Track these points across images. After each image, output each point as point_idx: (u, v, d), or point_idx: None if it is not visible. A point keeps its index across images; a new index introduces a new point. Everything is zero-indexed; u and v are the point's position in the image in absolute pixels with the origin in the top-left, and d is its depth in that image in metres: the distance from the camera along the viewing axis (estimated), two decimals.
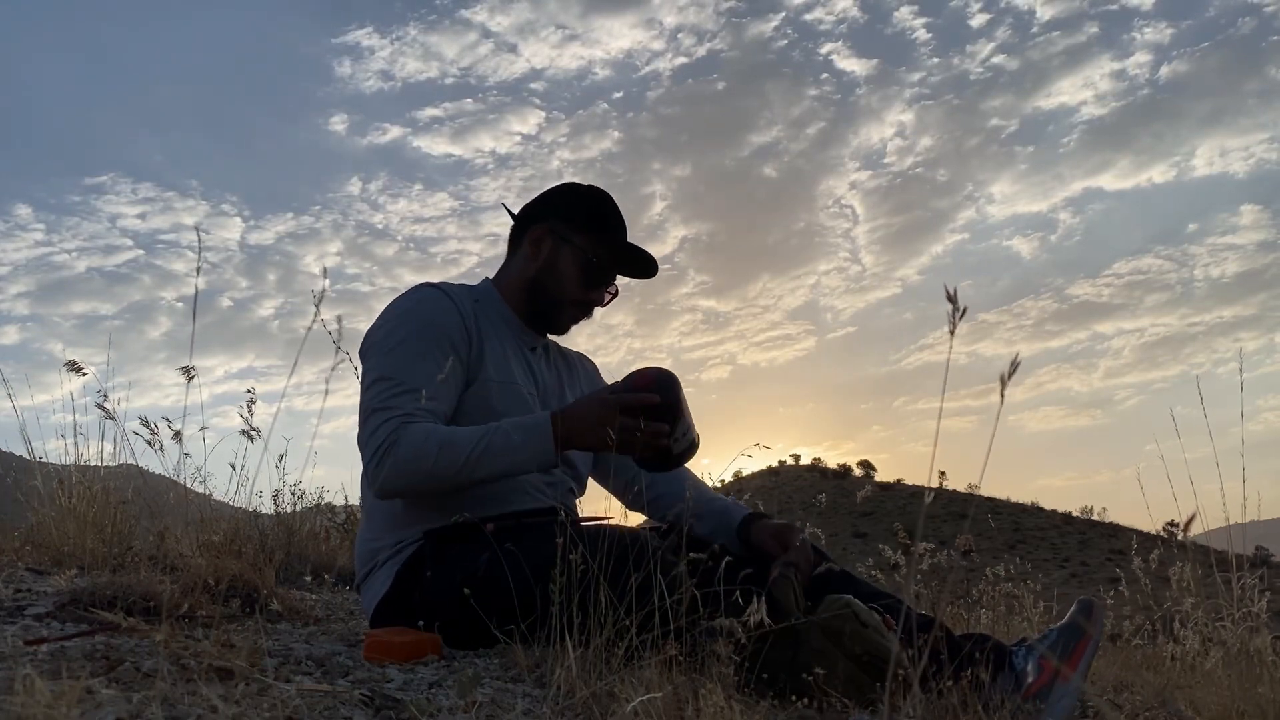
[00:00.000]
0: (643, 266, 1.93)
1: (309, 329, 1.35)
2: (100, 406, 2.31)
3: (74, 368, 2.36)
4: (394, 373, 1.66)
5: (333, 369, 1.42)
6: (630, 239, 1.92)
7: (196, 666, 1.13)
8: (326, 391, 1.47)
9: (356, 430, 1.69)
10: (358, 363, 1.78)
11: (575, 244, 1.85)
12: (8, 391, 2.79)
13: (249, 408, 2.54)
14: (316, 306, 1.35)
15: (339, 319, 1.55)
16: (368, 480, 1.65)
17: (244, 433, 2.43)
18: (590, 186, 1.92)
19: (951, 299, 0.86)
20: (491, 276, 1.96)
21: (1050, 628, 1.59)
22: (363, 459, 1.65)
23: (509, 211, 1.96)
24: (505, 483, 1.69)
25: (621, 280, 1.95)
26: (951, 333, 0.87)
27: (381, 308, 1.81)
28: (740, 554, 1.69)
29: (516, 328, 1.88)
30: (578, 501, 1.90)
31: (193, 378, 1.89)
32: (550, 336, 1.97)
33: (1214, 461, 2.06)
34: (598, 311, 1.94)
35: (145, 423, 2.39)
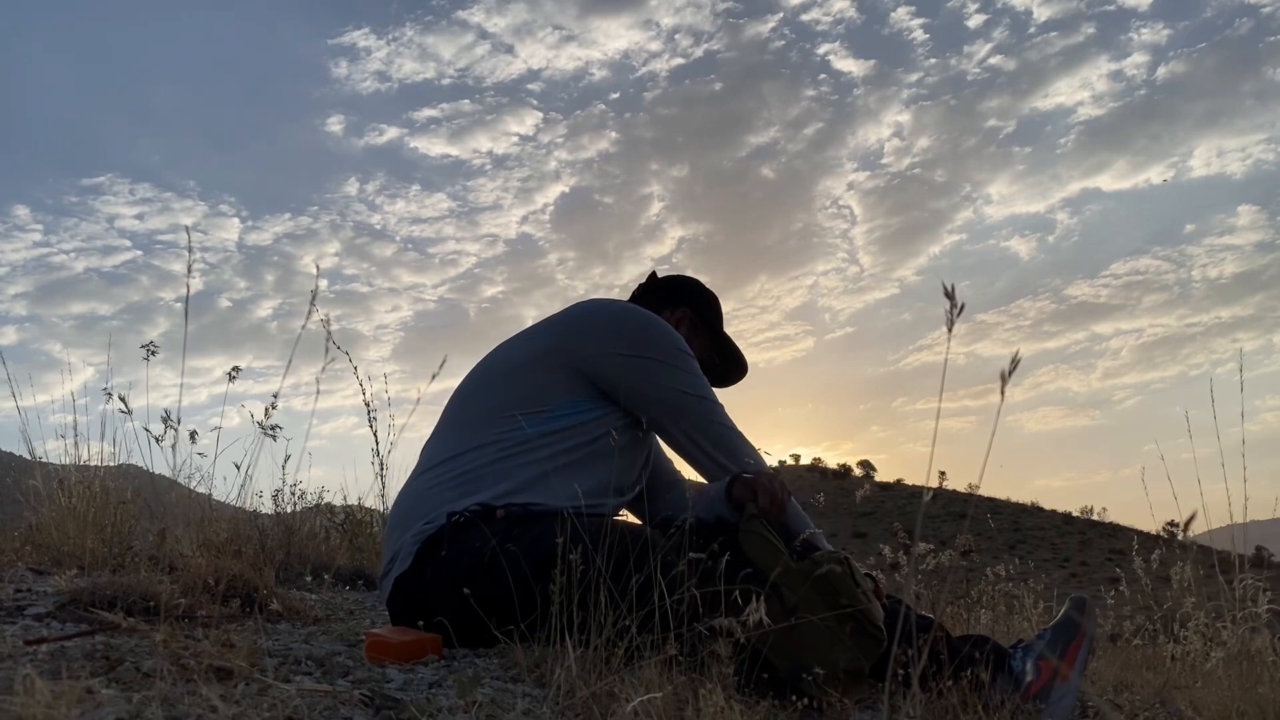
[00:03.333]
0: (733, 376, 2.16)
1: (303, 328, 1.34)
2: (120, 398, 2.30)
3: (151, 351, 2.31)
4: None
5: (323, 369, 1.42)
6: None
7: (196, 666, 1.13)
8: (318, 392, 1.47)
9: (685, 411, 1.79)
10: (356, 363, 1.79)
11: (705, 337, 2.08)
12: (11, 390, 2.79)
13: (266, 412, 2.52)
14: (311, 306, 1.35)
15: (327, 318, 1.55)
16: (755, 466, 1.77)
17: (264, 429, 2.40)
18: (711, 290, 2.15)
19: (949, 295, 0.86)
20: None
21: (1045, 628, 1.60)
22: (739, 451, 1.80)
23: (654, 276, 2.14)
24: (568, 479, 1.71)
25: None
26: (949, 329, 0.87)
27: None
28: (733, 519, 1.76)
29: None
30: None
31: (234, 378, 1.89)
32: None
33: (1212, 461, 2.06)
34: None
35: (166, 419, 2.37)
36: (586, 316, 1.83)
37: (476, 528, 1.63)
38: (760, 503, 1.69)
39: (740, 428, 1.86)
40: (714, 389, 2.11)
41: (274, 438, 2.35)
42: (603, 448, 1.77)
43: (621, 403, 1.79)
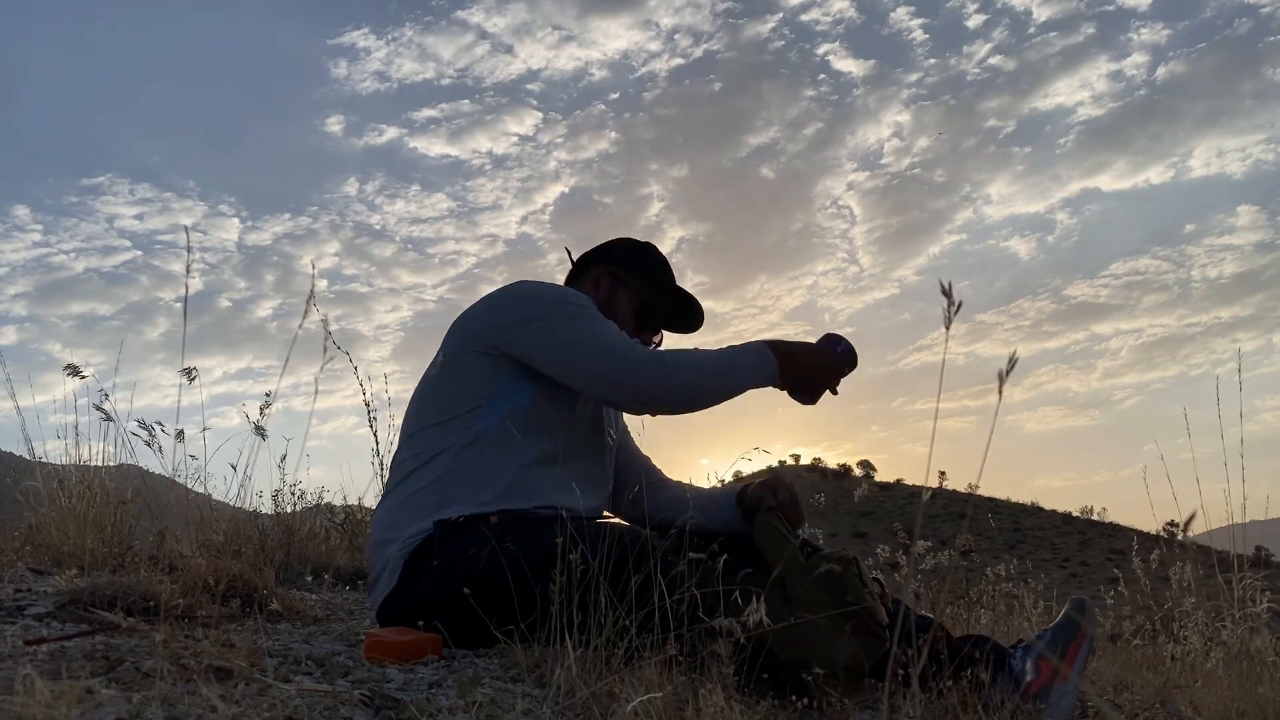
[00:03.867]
0: (688, 318, 2.05)
1: (299, 328, 1.35)
2: (98, 408, 2.31)
3: (73, 371, 2.36)
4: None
5: (321, 369, 1.42)
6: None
7: (196, 666, 1.13)
8: (317, 392, 1.47)
9: (572, 357, 1.69)
10: (356, 362, 1.79)
11: (631, 286, 1.98)
12: (10, 391, 2.79)
13: (261, 411, 2.52)
14: (308, 305, 1.35)
15: (325, 318, 1.55)
16: (634, 381, 1.65)
17: (257, 428, 2.41)
18: (645, 241, 2.06)
19: (946, 293, 0.86)
20: None
21: (1045, 628, 1.60)
22: (614, 365, 1.66)
23: (570, 255, 2.08)
24: (548, 477, 1.72)
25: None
26: (947, 327, 0.87)
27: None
28: (740, 528, 1.79)
29: None
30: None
31: (193, 379, 1.89)
32: None
33: (1212, 461, 2.06)
34: None
35: (144, 424, 2.38)
36: (483, 301, 1.84)
37: (467, 535, 1.63)
38: (780, 497, 1.70)
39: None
40: (677, 333, 2.06)
41: (262, 436, 2.34)
42: (563, 432, 1.78)
43: (545, 371, 1.75)
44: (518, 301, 1.78)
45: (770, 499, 1.70)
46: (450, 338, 1.84)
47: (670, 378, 1.65)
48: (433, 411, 1.79)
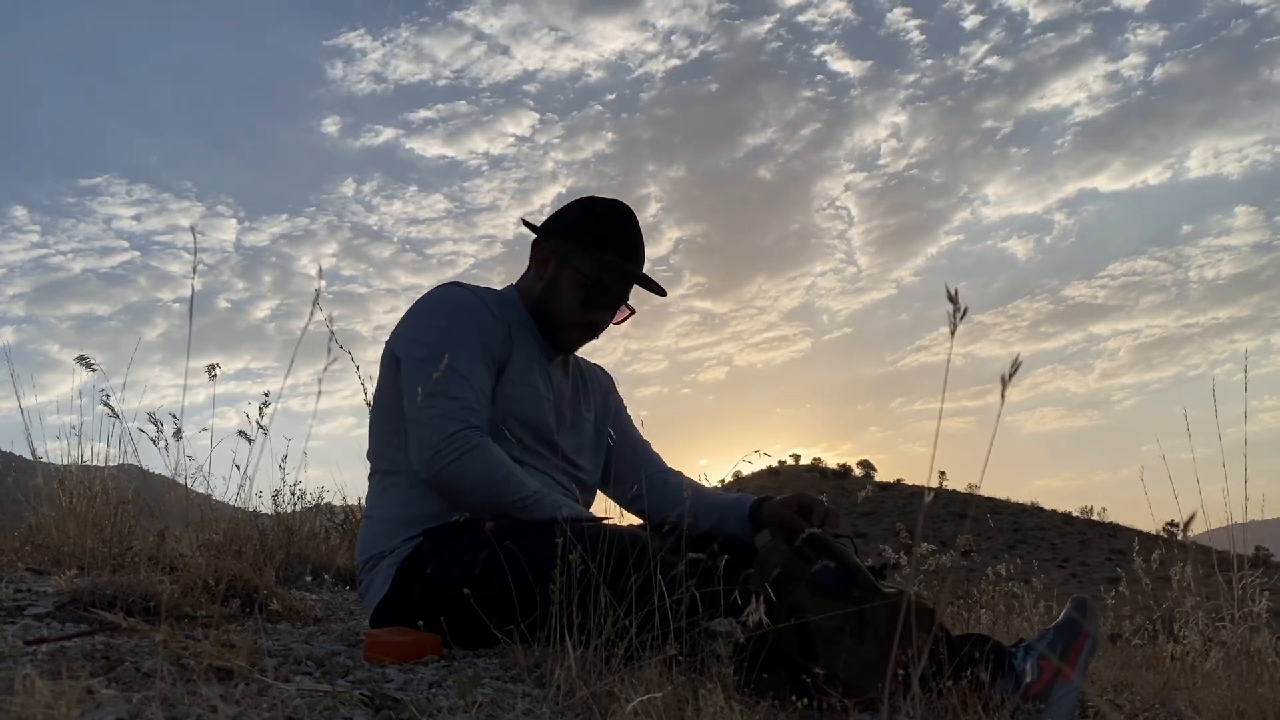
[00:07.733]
0: (643, 286, 1.93)
1: (305, 329, 1.34)
2: (105, 404, 2.31)
3: (85, 363, 2.36)
4: (457, 364, 1.68)
5: (325, 369, 1.42)
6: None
7: (196, 666, 1.13)
8: (320, 393, 1.47)
9: (408, 406, 1.69)
10: (358, 362, 1.78)
11: (575, 266, 1.84)
12: (15, 391, 2.80)
13: (261, 411, 2.52)
14: (313, 307, 1.35)
15: (331, 318, 1.55)
16: (422, 462, 1.66)
17: (241, 432, 2.41)
18: (609, 204, 1.90)
19: (952, 299, 0.86)
20: (515, 283, 1.97)
21: (1046, 628, 1.59)
22: (421, 441, 1.66)
23: (529, 226, 1.95)
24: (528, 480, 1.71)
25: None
26: (952, 333, 0.87)
27: (379, 309, 1.85)
28: (748, 539, 1.73)
29: (537, 335, 1.90)
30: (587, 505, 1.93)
31: (214, 375, 1.90)
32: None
33: (1213, 461, 2.06)
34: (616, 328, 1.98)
35: (152, 419, 2.38)
36: (406, 313, 1.85)
37: (459, 541, 1.63)
38: (817, 515, 1.68)
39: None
40: (657, 294, 1.95)
41: (250, 440, 2.34)
42: (530, 434, 1.79)
43: None
44: (408, 324, 1.80)
45: (802, 524, 1.66)
46: (386, 348, 1.84)
47: (463, 481, 1.64)
48: (390, 422, 1.79)
